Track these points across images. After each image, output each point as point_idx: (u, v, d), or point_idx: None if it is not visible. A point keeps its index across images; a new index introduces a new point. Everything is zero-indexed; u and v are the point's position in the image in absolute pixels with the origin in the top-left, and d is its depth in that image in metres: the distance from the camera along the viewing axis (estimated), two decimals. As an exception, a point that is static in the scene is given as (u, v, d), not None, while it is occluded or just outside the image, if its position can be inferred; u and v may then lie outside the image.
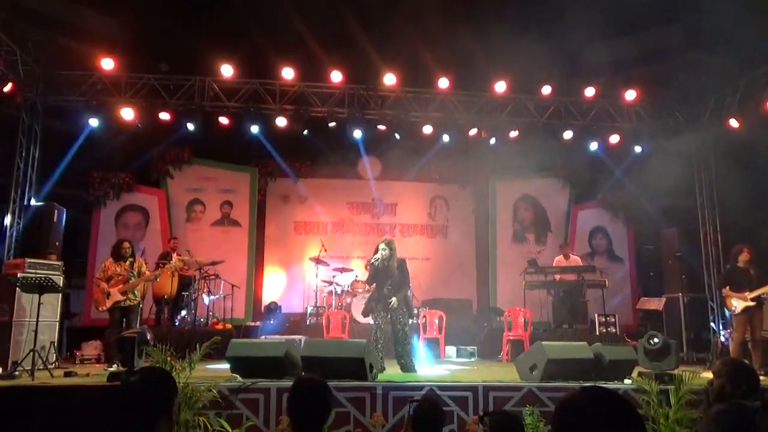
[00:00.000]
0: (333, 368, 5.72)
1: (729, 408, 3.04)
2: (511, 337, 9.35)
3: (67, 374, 6.50)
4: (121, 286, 7.34)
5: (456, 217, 13.13)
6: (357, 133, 10.65)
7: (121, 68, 10.07)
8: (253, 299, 11.87)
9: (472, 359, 9.46)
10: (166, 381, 2.66)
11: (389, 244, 7.31)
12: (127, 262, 7.52)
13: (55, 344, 7.67)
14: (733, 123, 10.17)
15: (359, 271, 11.34)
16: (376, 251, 7.28)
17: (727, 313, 7.95)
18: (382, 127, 10.80)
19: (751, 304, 7.57)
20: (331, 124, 10.62)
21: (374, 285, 7.40)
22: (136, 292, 7.51)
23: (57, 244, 8.86)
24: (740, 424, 2.99)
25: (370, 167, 12.68)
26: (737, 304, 7.68)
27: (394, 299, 7.12)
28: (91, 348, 8.46)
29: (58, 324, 7.86)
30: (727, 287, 7.88)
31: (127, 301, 7.38)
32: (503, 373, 6.84)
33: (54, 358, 7.48)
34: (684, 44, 12.45)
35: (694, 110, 10.98)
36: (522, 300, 10.40)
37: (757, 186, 10.66)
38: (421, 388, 5.66)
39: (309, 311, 10.71)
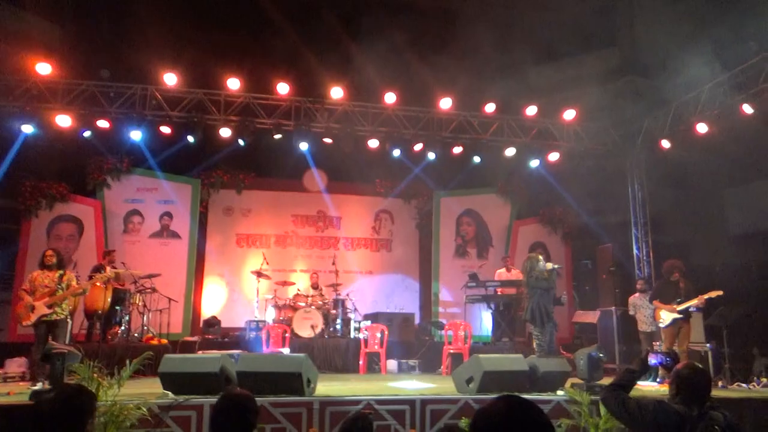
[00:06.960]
0: (270, 383, 5.63)
1: (648, 402, 3.15)
2: (452, 351, 9.43)
3: (-13, 393, 6.16)
4: (47, 298, 6.99)
5: (400, 231, 13.21)
6: (303, 146, 10.62)
7: (59, 74, 9.72)
8: (192, 313, 11.56)
9: (414, 373, 9.49)
10: (80, 399, 2.57)
11: None
12: (57, 274, 7.18)
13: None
14: (665, 144, 10.63)
15: (302, 284, 11.23)
16: (536, 262, 8.22)
17: (661, 325, 8.26)
18: (328, 140, 10.78)
19: (679, 316, 7.92)
20: (277, 136, 10.53)
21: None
22: (64, 305, 7.15)
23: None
24: (642, 416, 3.10)
25: (315, 180, 12.64)
26: (666, 316, 8.04)
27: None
28: (16, 365, 8.03)
29: (-20, 340, 7.47)
30: (658, 300, 8.22)
31: (54, 315, 6.99)
32: (442, 386, 6.88)
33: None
34: (621, 68, 13.04)
35: (629, 131, 11.44)
36: (463, 314, 10.54)
37: (687, 205, 11.19)
38: (358, 402, 5.62)
39: (249, 326, 10.51)
